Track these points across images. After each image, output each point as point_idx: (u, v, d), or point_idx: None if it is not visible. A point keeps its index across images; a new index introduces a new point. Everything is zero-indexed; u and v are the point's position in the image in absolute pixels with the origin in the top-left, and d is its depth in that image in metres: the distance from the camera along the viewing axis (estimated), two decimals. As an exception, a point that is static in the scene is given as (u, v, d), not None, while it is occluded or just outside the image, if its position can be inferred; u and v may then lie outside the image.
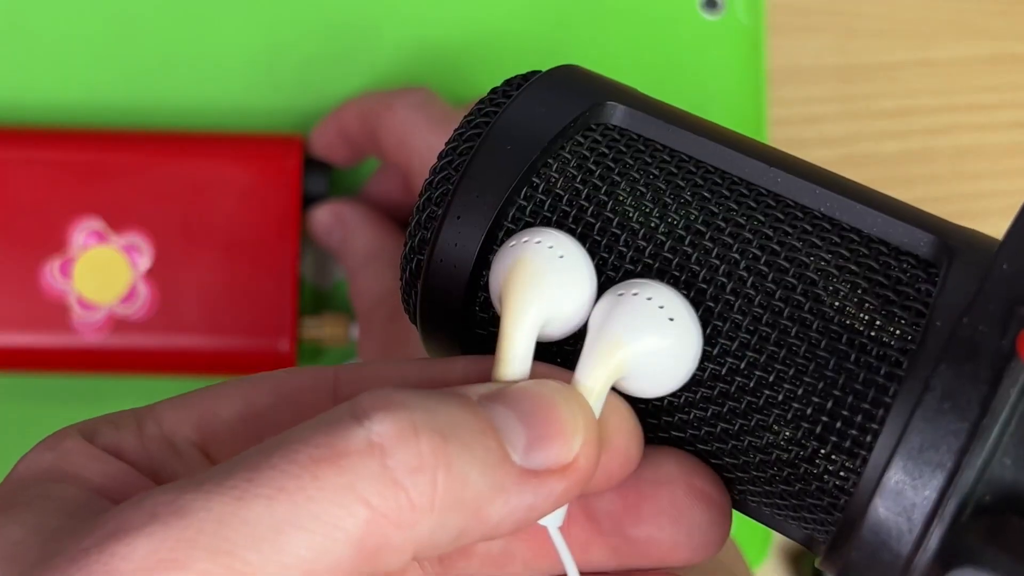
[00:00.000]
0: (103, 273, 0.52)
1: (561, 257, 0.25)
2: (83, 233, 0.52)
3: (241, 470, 0.22)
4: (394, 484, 0.22)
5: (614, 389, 0.25)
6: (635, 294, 0.25)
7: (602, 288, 0.26)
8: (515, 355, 0.25)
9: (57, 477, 0.25)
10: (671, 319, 0.25)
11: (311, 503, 0.21)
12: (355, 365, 0.27)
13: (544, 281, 0.25)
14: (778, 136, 0.59)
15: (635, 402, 0.26)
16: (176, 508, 0.21)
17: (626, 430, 0.25)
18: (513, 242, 0.26)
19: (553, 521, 0.25)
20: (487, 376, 0.25)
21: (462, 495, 0.22)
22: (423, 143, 0.48)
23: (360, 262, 0.51)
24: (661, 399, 0.26)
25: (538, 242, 0.25)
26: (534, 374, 0.25)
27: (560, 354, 0.27)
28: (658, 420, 0.26)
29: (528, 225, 0.27)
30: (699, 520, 0.26)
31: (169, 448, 0.26)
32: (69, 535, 0.22)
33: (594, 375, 0.25)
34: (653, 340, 0.25)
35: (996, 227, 0.25)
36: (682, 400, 0.26)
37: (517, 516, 0.23)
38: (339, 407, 0.23)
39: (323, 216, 0.52)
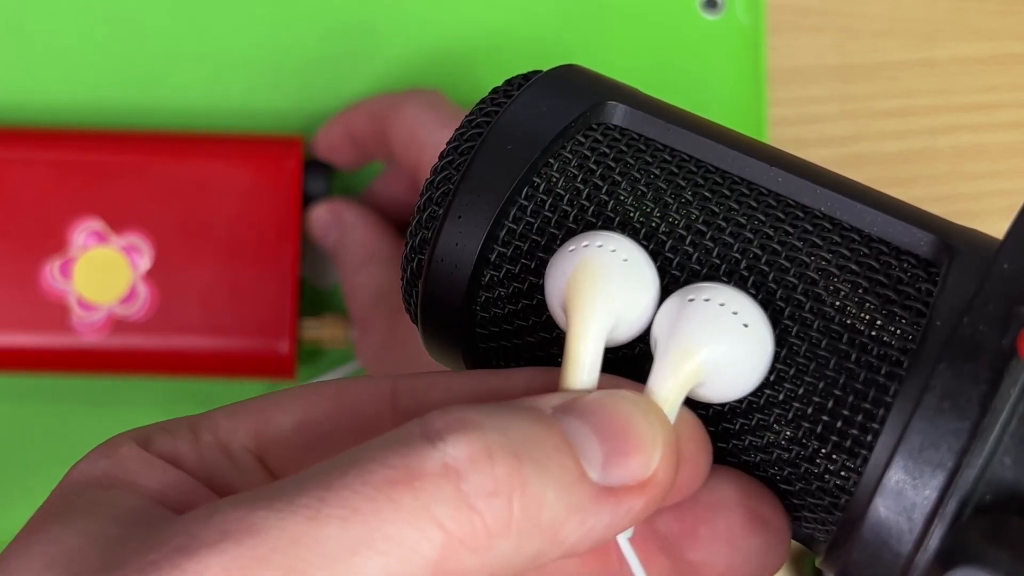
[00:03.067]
0: (103, 273, 0.52)
1: (625, 261, 0.25)
2: (83, 233, 0.52)
3: (313, 488, 0.21)
4: (469, 508, 0.21)
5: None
6: (707, 300, 0.24)
7: None
8: (584, 363, 0.24)
9: (112, 484, 0.24)
10: (745, 325, 0.24)
11: (386, 525, 0.21)
12: (412, 376, 0.27)
13: (611, 287, 0.24)
14: (778, 136, 0.59)
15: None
16: (248, 525, 0.21)
17: (696, 440, 0.25)
18: (572, 246, 0.25)
19: (624, 533, 0.24)
20: (551, 387, 0.24)
21: (538, 517, 0.22)
22: (432, 143, 0.47)
23: (356, 262, 0.51)
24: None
25: (600, 246, 0.25)
26: (600, 385, 0.24)
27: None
28: None
29: (529, 225, 0.27)
30: (756, 546, 0.25)
31: (225, 455, 0.26)
32: (132, 545, 0.21)
33: (668, 384, 0.24)
34: (728, 348, 0.24)
35: (996, 227, 0.25)
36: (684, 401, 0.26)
37: (595, 535, 0.23)
38: (409, 425, 0.22)
39: (321, 214, 0.52)
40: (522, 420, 0.22)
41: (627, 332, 0.25)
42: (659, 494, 0.23)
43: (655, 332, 0.25)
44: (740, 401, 0.25)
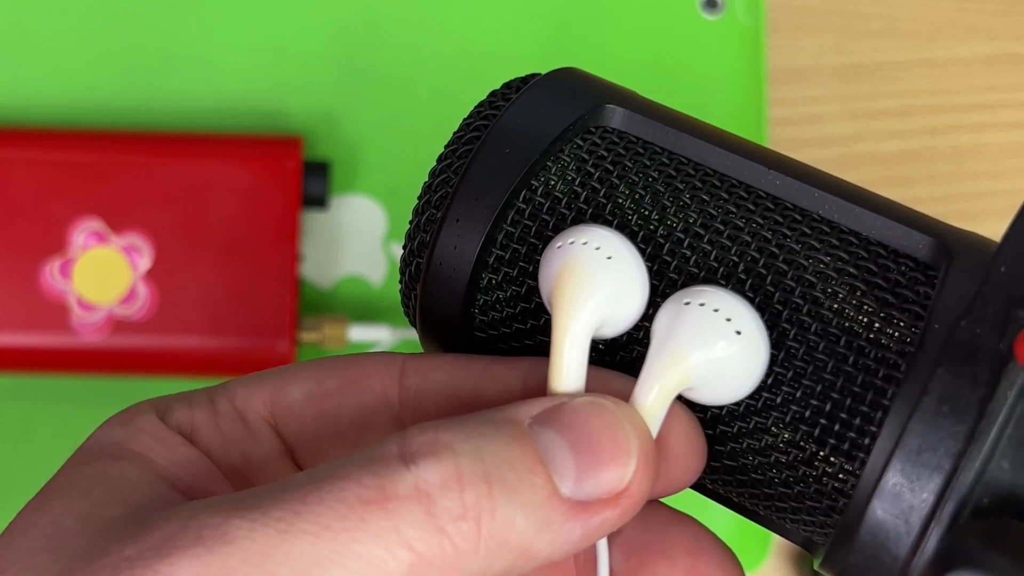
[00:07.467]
0: (103, 273, 0.52)
1: (609, 259, 0.25)
2: (83, 233, 0.52)
3: (288, 500, 0.22)
4: (438, 531, 0.22)
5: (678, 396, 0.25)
6: (701, 304, 0.24)
7: None
8: (568, 366, 0.24)
9: (123, 455, 0.25)
10: (738, 332, 0.24)
11: (355, 544, 0.21)
12: (422, 356, 0.27)
13: (592, 287, 0.24)
14: (778, 136, 0.59)
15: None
16: (221, 533, 0.21)
17: (686, 439, 0.25)
18: (559, 243, 0.25)
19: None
20: (545, 380, 0.25)
21: (507, 537, 0.22)
22: None
23: None
24: None
25: (584, 243, 0.25)
26: (591, 383, 0.25)
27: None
28: None
29: (527, 228, 0.27)
30: None
31: (241, 424, 0.26)
32: (116, 533, 0.22)
33: (654, 391, 0.24)
34: (718, 355, 0.24)
35: (996, 227, 0.25)
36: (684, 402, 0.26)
37: (568, 547, 0.23)
38: (388, 442, 0.23)
39: None
40: (495, 440, 0.23)
41: (618, 327, 0.25)
42: (633, 504, 0.23)
43: (653, 335, 0.25)
44: (738, 404, 0.25)
